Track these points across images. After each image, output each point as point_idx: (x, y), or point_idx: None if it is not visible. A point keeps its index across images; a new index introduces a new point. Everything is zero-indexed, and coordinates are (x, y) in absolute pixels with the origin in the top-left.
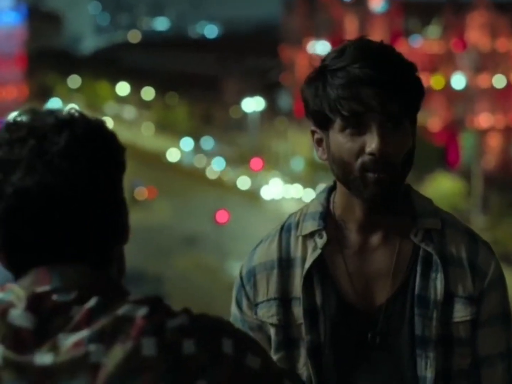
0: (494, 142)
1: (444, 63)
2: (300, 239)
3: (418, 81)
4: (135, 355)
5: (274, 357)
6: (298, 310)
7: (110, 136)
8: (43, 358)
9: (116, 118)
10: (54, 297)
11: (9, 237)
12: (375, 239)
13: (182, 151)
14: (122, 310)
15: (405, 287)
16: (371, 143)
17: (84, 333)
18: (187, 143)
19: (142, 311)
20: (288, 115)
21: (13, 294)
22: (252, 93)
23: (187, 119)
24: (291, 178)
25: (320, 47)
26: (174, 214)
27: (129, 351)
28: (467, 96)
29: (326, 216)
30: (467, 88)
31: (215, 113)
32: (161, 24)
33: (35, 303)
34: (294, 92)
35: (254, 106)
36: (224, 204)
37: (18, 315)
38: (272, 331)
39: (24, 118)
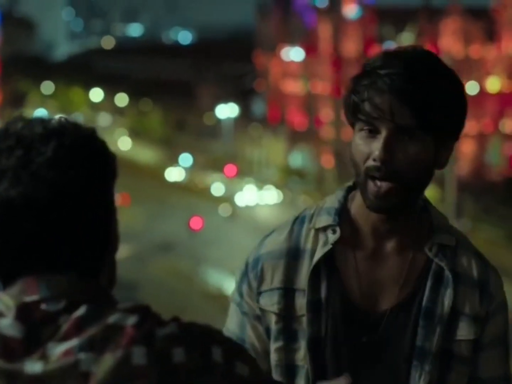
0: (467, 148)
1: None
2: (312, 231)
3: (454, 99)
4: (125, 364)
5: (273, 346)
6: (301, 302)
7: (100, 145)
8: (33, 366)
9: (90, 124)
10: (43, 306)
11: None
12: (389, 245)
13: (182, 168)
14: (112, 319)
15: (412, 297)
16: (376, 150)
17: (74, 342)
18: (186, 159)
19: (131, 320)
20: (262, 122)
21: (1, 303)
22: (226, 100)
23: (161, 126)
24: (265, 184)
25: (294, 54)
26: (148, 221)
27: (119, 359)
28: None
29: (342, 213)
30: None
31: (189, 120)
32: (135, 30)
33: (24, 312)
34: (268, 99)
35: (228, 113)
36: (198, 211)
37: (7, 325)
38: (272, 320)
39: (14, 126)
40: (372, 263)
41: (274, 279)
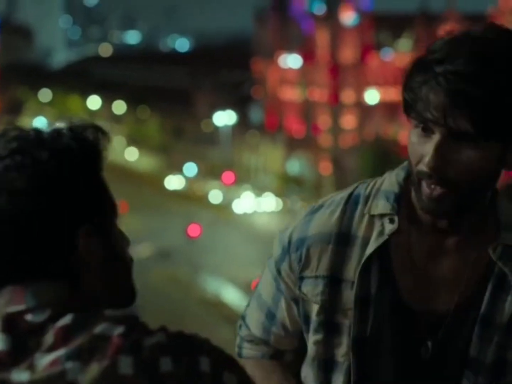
0: None
1: None
2: (366, 217)
3: None
4: (112, 373)
5: (313, 338)
6: (347, 295)
7: (83, 155)
8: (20, 376)
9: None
10: (29, 316)
11: None
12: (450, 242)
13: (183, 176)
14: (99, 329)
15: (470, 301)
16: (427, 154)
17: (61, 352)
18: (190, 168)
19: (118, 330)
20: (260, 129)
21: None
22: (223, 107)
23: (158, 133)
24: (263, 191)
25: (292, 61)
26: (146, 228)
27: (105, 369)
28: None
29: (400, 199)
30: None
31: (187, 127)
32: (132, 37)
33: (9, 323)
34: (266, 106)
35: (226, 120)
36: (196, 218)
37: None
38: (314, 310)
39: (3, 138)
40: (430, 260)
41: (320, 265)
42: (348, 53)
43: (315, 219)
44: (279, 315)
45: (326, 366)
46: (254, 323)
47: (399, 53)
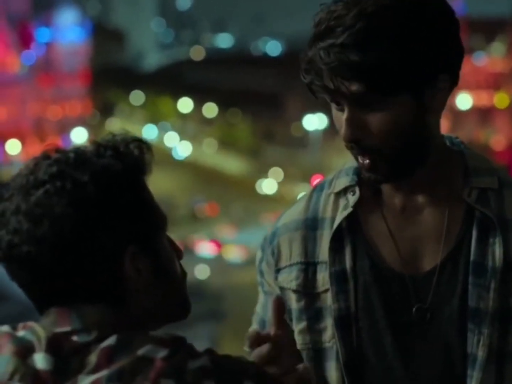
0: None
1: (508, 81)
2: (332, 197)
3: (412, 44)
4: None
5: (297, 327)
6: (323, 275)
7: (126, 174)
8: None
9: (178, 134)
10: (74, 338)
11: (18, 282)
12: (420, 197)
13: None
14: (142, 350)
15: (457, 252)
16: (342, 128)
17: (103, 373)
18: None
19: (162, 353)
20: None
21: (33, 334)
22: (314, 111)
23: (248, 136)
24: None
25: None
26: (235, 231)
27: None
28: None
29: (361, 171)
30: None
31: (277, 130)
32: (224, 41)
33: (54, 344)
34: None
35: (316, 123)
36: None
37: (38, 358)
38: (293, 298)
39: (44, 162)
40: (405, 220)
41: (293, 253)
42: None
43: (285, 213)
44: (269, 320)
45: (316, 355)
46: None
47: (492, 58)
